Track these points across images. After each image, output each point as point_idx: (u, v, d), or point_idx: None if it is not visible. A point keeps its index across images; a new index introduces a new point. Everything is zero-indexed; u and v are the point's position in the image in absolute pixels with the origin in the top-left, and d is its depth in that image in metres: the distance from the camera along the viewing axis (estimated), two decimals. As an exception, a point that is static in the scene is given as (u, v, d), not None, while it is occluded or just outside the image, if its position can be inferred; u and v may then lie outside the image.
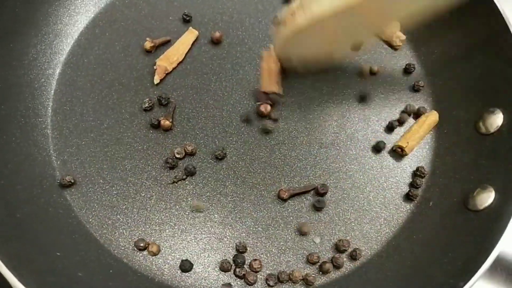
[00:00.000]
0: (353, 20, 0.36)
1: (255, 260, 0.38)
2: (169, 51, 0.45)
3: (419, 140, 0.43)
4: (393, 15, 0.39)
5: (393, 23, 0.45)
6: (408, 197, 0.41)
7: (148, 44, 0.45)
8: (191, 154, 0.41)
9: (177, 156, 0.41)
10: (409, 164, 0.42)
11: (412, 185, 0.41)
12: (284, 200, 0.40)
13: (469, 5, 0.39)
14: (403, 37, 0.46)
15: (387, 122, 0.43)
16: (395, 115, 0.44)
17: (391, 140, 0.43)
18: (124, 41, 0.46)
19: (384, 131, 0.43)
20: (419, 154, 0.43)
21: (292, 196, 0.40)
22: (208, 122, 0.43)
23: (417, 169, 0.42)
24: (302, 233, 0.39)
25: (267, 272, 0.38)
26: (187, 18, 0.46)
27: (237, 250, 0.39)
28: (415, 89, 0.45)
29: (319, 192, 0.40)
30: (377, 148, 0.42)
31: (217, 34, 0.45)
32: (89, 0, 0.47)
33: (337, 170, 0.42)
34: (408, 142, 0.42)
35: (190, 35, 0.45)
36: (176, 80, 0.44)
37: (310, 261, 0.38)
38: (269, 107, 0.42)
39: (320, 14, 0.34)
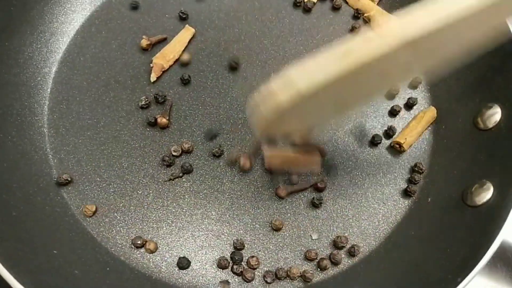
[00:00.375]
0: (350, 86, 0.28)
1: (253, 257, 0.38)
2: (166, 49, 0.44)
3: (417, 136, 0.43)
4: (419, 66, 0.31)
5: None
6: (406, 193, 0.41)
7: (144, 42, 0.44)
8: (188, 151, 0.41)
9: (174, 153, 0.41)
10: (407, 160, 0.42)
11: (410, 181, 0.41)
12: (282, 198, 0.40)
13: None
14: None
15: (385, 119, 0.43)
16: (393, 111, 0.44)
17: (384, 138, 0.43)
18: (120, 39, 0.45)
19: (382, 128, 0.43)
20: (417, 150, 0.43)
21: (290, 193, 0.40)
22: (205, 119, 0.43)
23: (415, 165, 0.41)
24: (280, 196, 0.39)
25: (265, 269, 0.38)
26: (184, 16, 0.46)
27: (235, 247, 0.38)
28: (413, 85, 0.45)
29: (318, 187, 0.40)
30: (374, 142, 0.42)
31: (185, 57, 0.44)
32: (85, -2, 0.47)
33: (335, 166, 0.41)
34: (406, 138, 0.42)
35: (186, 33, 0.45)
36: (172, 78, 0.44)
37: (308, 258, 0.38)
38: (248, 164, 0.41)
39: (309, 90, 0.26)
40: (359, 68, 0.25)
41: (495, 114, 0.39)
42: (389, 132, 0.42)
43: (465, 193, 0.38)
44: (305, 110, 0.28)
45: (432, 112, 0.43)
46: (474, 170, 0.39)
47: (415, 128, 0.43)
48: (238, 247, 0.38)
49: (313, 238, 0.39)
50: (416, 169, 0.41)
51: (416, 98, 0.44)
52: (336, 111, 0.32)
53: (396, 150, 0.42)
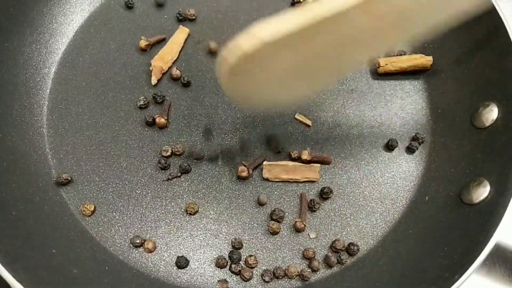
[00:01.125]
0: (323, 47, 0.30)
1: (251, 256, 0.38)
2: (163, 51, 0.45)
3: (398, 69, 0.44)
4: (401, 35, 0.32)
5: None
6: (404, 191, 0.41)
7: (143, 43, 0.45)
8: (180, 154, 0.41)
9: (164, 154, 0.41)
10: (404, 159, 0.42)
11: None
12: (244, 179, 0.40)
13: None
14: None
15: (382, 118, 0.43)
16: (390, 110, 0.44)
17: (386, 136, 0.43)
18: (119, 40, 0.46)
19: (380, 127, 0.43)
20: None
21: (253, 169, 0.41)
22: (203, 119, 0.43)
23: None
24: (260, 204, 0.40)
25: (263, 268, 0.38)
26: (180, 18, 0.46)
27: (233, 247, 0.39)
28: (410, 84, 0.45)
29: (325, 192, 0.40)
30: (390, 147, 0.42)
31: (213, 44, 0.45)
32: (84, -1, 0.47)
33: (332, 166, 0.42)
34: (387, 64, 0.44)
35: (181, 34, 0.46)
36: (170, 78, 0.44)
37: (306, 257, 0.38)
38: (245, 174, 0.40)
39: (270, 38, 0.28)
40: (316, 23, 0.27)
41: (492, 113, 0.39)
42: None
43: (463, 191, 0.38)
44: (268, 64, 0.30)
45: (427, 61, 0.44)
46: (471, 168, 0.39)
47: (401, 62, 0.44)
48: (236, 246, 0.38)
49: (311, 237, 0.39)
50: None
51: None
52: (300, 81, 0.33)
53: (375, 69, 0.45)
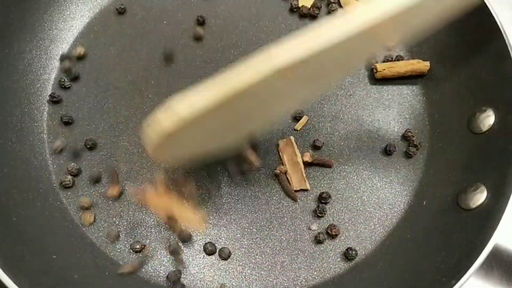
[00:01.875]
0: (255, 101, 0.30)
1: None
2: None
3: (395, 74, 0.44)
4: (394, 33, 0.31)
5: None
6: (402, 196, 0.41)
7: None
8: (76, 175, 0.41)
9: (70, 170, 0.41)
10: (402, 164, 0.42)
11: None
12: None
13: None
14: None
15: (380, 123, 0.44)
16: (388, 115, 0.44)
17: (384, 141, 0.43)
18: (119, 45, 0.46)
19: (377, 132, 0.44)
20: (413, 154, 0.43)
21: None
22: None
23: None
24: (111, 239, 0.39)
25: (262, 273, 0.39)
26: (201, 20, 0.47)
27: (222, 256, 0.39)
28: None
29: (323, 197, 0.40)
30: (388, 152, 0.42)
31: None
32: (84, 5, 0.47)
33: (330, 171, 0.42)
34: (384, 69, 0.44)
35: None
36: (168, 79, 0.45)
37: None
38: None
39: (189, 115, 0.28)
40: (237, 94, 0.28)
41: (488, 118, 0.40)
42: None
43: (460, 196, 0.38)
44: (195, 133, 0.31)
45: (424, 66, 0.44)
46: (468, 173, 0.39)
47: (399, 67, 0.44)
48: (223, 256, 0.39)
49: (312, 229, 0.39)
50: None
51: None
52: (237, 131, 0.34)
53: (372, 74, 0.45)
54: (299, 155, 0.41)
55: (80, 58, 0.45)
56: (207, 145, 0.34)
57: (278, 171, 0.41)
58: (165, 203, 0.40)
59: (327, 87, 0.33)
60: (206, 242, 0.39)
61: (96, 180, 0.41)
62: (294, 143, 0.42)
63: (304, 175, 0.41)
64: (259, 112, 0.33)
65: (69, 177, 0.40)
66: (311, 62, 0.28)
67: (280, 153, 0.42)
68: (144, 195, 0.40)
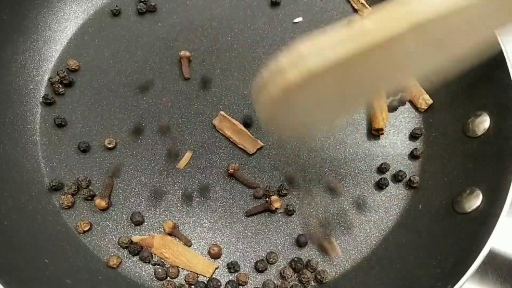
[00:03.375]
0: (362, 74, 0.27)
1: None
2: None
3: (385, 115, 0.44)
4: (409, 70, 0.30)
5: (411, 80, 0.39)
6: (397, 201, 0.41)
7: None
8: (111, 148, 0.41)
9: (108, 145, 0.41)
10: (398, 168, 0.42)
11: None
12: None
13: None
14: (430, 101, 0.44)
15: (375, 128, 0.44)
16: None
17: (380, 145, 0.43)
18: (113, 47, 0.46)
19: (373, 136, 0.44)
20: (408, 157, 0.43)
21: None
22: (204, 127, 0.43)
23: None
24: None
25: (257, 277, 0.38)
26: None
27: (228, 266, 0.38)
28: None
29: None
30: (381, 170, 0.42)
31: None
32: (78, 6, 0.47)
33: (326, 174, 0.42)
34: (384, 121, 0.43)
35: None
36: (166, 85, 0.44)
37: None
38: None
39: (319, 68, 0.24)
40: (371, 49, 0.24)
41: (484, 122, 0.40)
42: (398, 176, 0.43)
43: (455, 200, 0.38)
44: (312, 94, 0.27)
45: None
46: (463, 177, 0.39)
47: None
48: (231, 268, 0.38)
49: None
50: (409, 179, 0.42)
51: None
52: (338, 106, 0.30)
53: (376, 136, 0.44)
54: (237, 122, 0.42)
55: (73, 70, 0.44)
56: (317, 113, 0.30)
57: (232, 170, 0.41)
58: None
59: (449, 62, 0.29)
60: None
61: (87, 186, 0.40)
62: (227, 115, 0.42)
63: (252, 136, 0.42)
64: (374, 79, 0.28)
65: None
66: (448, 22, 0.25)
67: (220, 132, 0.42)
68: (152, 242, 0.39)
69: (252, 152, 0.42)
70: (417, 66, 0.29)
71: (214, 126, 0.42)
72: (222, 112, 0.42)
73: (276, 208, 0.40)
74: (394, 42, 0.25)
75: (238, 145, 0.42)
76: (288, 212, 0.40)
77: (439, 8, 0.25)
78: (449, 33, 0.27)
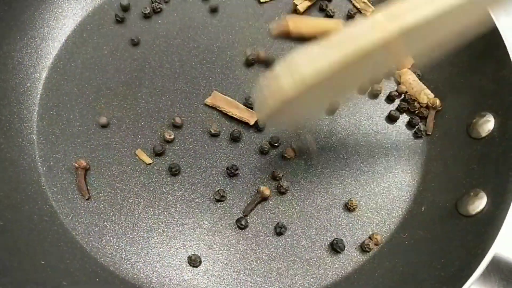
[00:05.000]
0: (356, 68, 0.28)
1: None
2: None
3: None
4: (408, 51, 0.31)
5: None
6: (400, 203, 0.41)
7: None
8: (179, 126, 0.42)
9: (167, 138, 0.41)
10: (401, 169, 0.42)
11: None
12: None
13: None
14: (431, 95, 0.44)
15: (378, 127, 0.43)
16: (385, 120, 0.44)
17: (379, 146, 0.43)
18: (112, 45, 0.45)
19: (375, 135, 0.43)
20: (411, 159, 0.42)
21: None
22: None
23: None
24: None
25: (258, 279, 0.38)
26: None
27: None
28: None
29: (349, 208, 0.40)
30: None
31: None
32: (76, 3, 0.46)
33: (328, 175, 0.41)
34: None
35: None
36: (162, 80, 0.44)
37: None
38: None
39: (314, 77, 0.25)
40: (362, 55, 0.25)
41: (488, 123, 0.39)
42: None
43: (459, 202, 0.38)
44: (307, 98, 0.28)
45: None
46: (467, 179, 0.39)
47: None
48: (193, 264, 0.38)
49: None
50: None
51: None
52: (330, 98, 0.33)
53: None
54: (230, 99, 0.42)
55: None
56: (313, 109, 0.32)
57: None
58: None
59: (444, 40, 0.30)
60: (190, 254, 0.38)
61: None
62: (220, 94, 0.43)
63: (245, 107, 0.42)
64: (359, 77, 0.30)
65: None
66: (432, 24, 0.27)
67: (216, 110, 0.42)
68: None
69: (252, 123, 0.42)
70: (413, 48, 0.30)
71: (206, 105, 0.43)
72: (214, 91, 0.43)
73: (268, 196, 0.40)
74: (383, 46, 0.26)
75: (237, 118, 0.42)
76: (281, 192, 0.40)
77: (438, 9, 0.26)
78: (443, 20, 0.28)
